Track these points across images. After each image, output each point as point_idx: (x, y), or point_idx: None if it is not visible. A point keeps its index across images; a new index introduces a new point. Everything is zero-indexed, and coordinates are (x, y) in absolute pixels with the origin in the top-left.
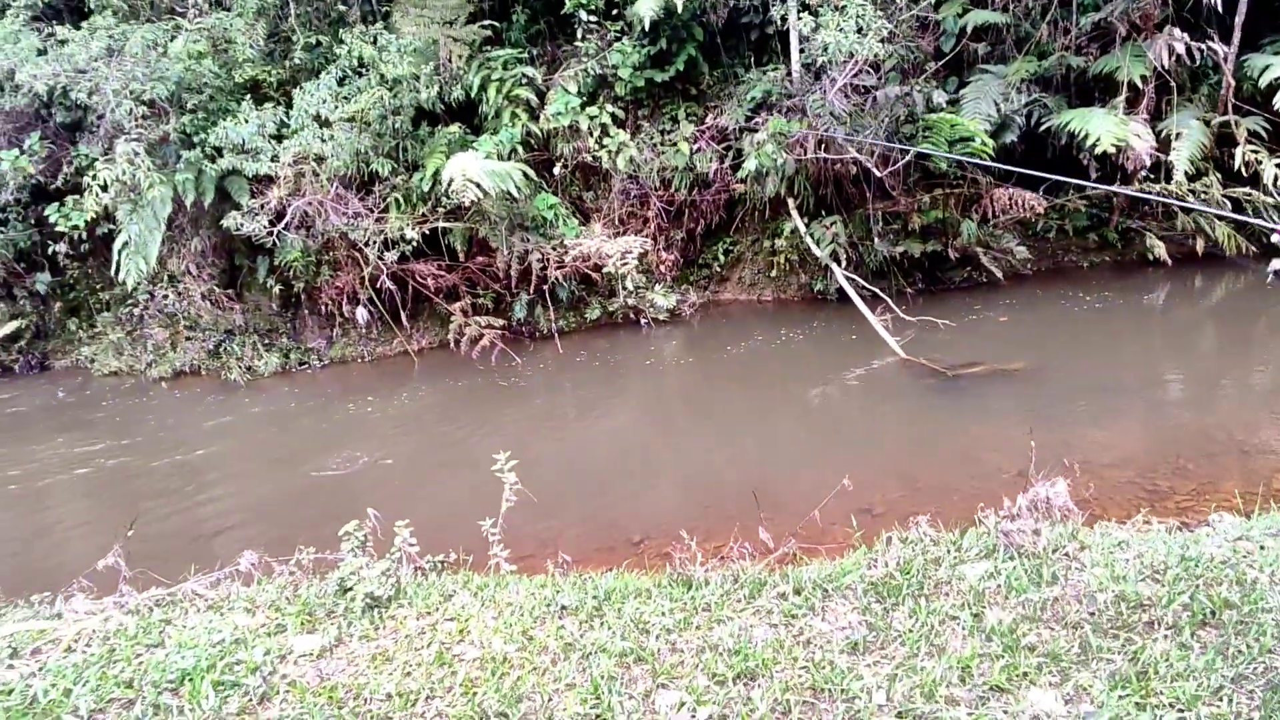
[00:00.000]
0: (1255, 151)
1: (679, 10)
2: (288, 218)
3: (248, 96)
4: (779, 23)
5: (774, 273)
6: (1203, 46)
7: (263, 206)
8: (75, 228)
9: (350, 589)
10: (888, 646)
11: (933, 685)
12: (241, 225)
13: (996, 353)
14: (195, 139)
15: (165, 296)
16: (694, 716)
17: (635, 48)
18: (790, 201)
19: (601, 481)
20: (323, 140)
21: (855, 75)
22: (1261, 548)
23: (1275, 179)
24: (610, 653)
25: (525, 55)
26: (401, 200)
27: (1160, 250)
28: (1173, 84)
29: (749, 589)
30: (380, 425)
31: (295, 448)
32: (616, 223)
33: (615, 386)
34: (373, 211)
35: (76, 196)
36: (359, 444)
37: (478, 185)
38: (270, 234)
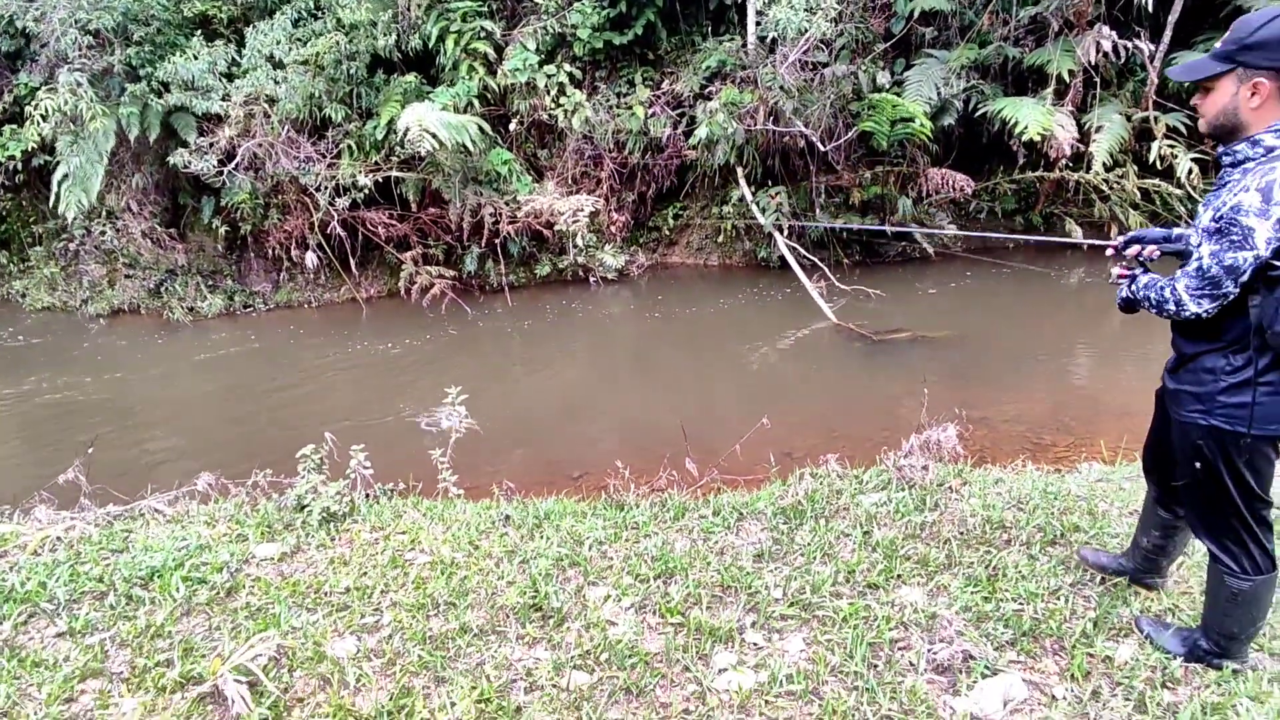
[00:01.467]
0: (1172, 146)
1: None
2: (237, 158)
3: (198, 32)
4: None
5: (720, 239)
6: (1129, 45)
7: (211, 145)
8: (11, 158)
9: (307, 505)
10: (789, 556)
11: (821, 583)
12: (189, 163)
13: (922, 321)
14: (141, 72)
15: (103, 233)
16: (619, 605)
17: (595, 9)
18: (739, 170)
19: (546, 424)
20: (276, 82)
21: (806, 52)
22: (1120, 489)
23: (1189, 171)
24: (548, 557)
25: (485, 9)
26: (354, 147)
27: (1079, 234)
28: (1098, 79)
29: (674, 512)
30: (328, 368)
31: (242, 386)
32: (570, 182)
33: (562, 340)
34: (325, 157)
35: (14, 126)
36: (307, 384)
37: (434, 136)
38: (219, 174)
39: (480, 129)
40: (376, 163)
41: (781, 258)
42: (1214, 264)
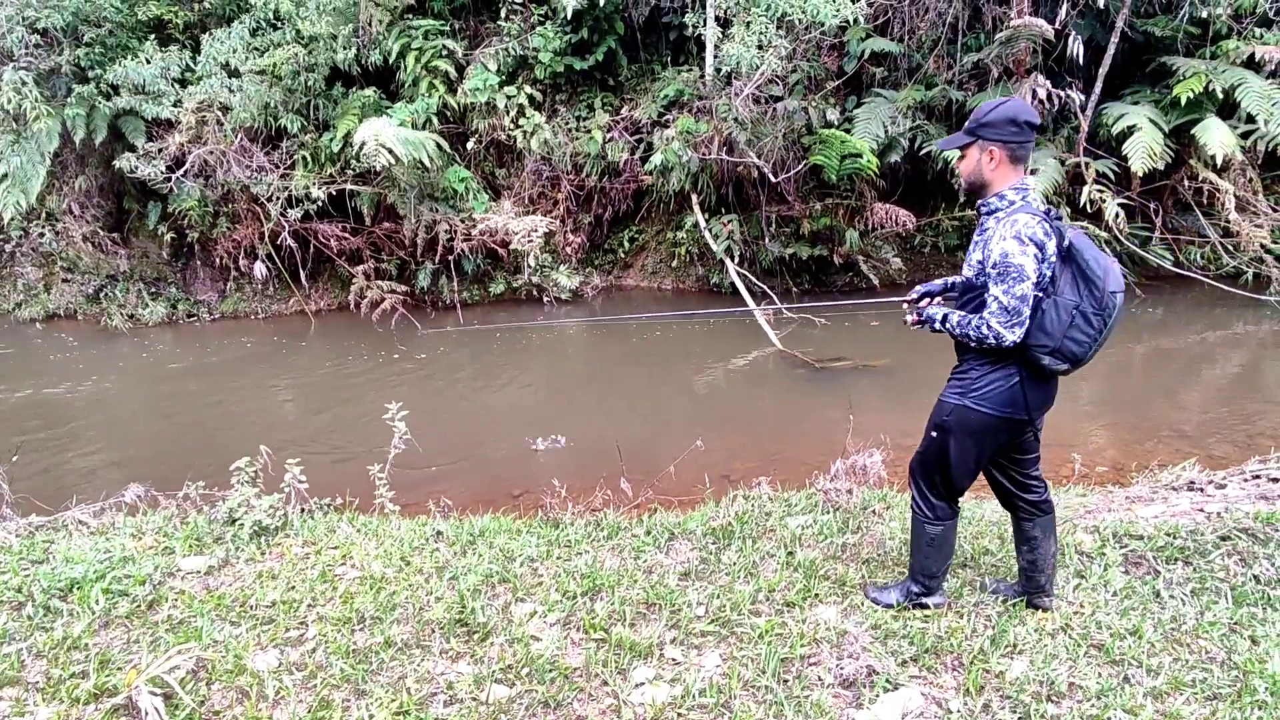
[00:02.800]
0: (1101, 191)
1: (601, 3)
2: (187, 165)
3: (151, 36)
4: (694, 28)
5: (674, 263)
6: (1062, 94)
7: (160, 151)
8: None
9: (238, 519)
10: (714, 575)
11: (742, 601)
12: (136, 168)
13: (864, 350)
14: (90, 74)
15: (42, 234)
16: (544, 621)
17: (557, 34)
18: (694, 197)
19: (490, 441)
20: (230, 90)
21: (760, 86)
22: None
23: (1116, 215)
24: (478, 573)
25: (447, 28)
26: (309, 158)
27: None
28: (1043, 122)
29: (608, 531)
30: (272, 380)
31: (179, 396)
32: (526, 202)
33: (513, 358)
34: (278, 167)
35: None
36: (247, 395)
37: (390, 151)
38: (167, 180)
39: (438, 146)
40: (331, 175)
41: (733, 284)
42: (1009, 299)
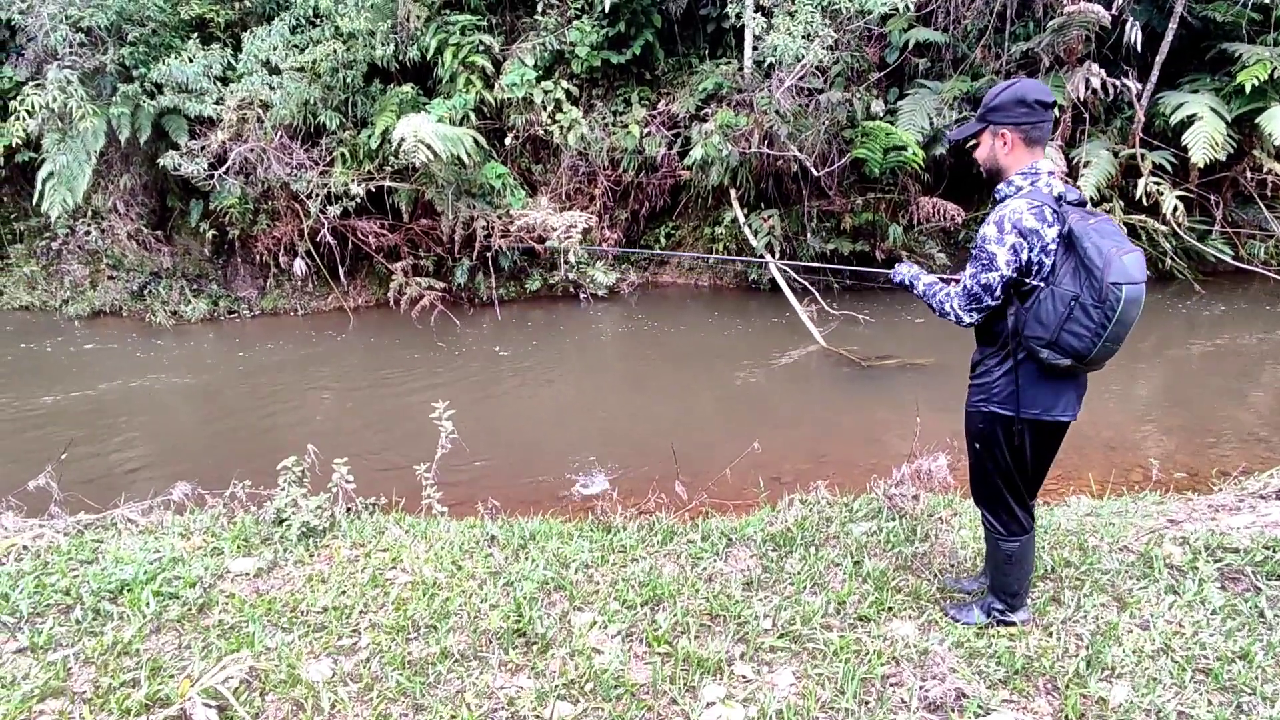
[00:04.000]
0: (1158, 183)
1: None
2: (229, 162)
3: (194, 35)
4: (734, 19)
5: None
6: (1118, 83)
7: (202, 148)
8: None
9: (286, 519)
10: (778, 585)
11: (812, 614)
12: (179, 166)
13: (909, 348)
14: (135, 73)
15: (88, 233)
16: (605, 633)
17: (594, 27)
18: (732, 192)
19: (532, 441)
20: (271, 88)
21: (802, 78)
22: (1108, 524)
23: (1175, 209)
24: (532, 580)
25: (484, 23)
26: (348, 155)
27: None
28: (1087, 115)
29: (662, 536)
30: (314, 377)
31: (222, 394)
32: (563, 198)
33: (551, 355)
34: (317, 164)
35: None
36: (289, 393)
37: (429, 147)
38: (209, 177)
39: (475, 141)
40: (370, 172)
41: (772, 280)
42: (973, 284)
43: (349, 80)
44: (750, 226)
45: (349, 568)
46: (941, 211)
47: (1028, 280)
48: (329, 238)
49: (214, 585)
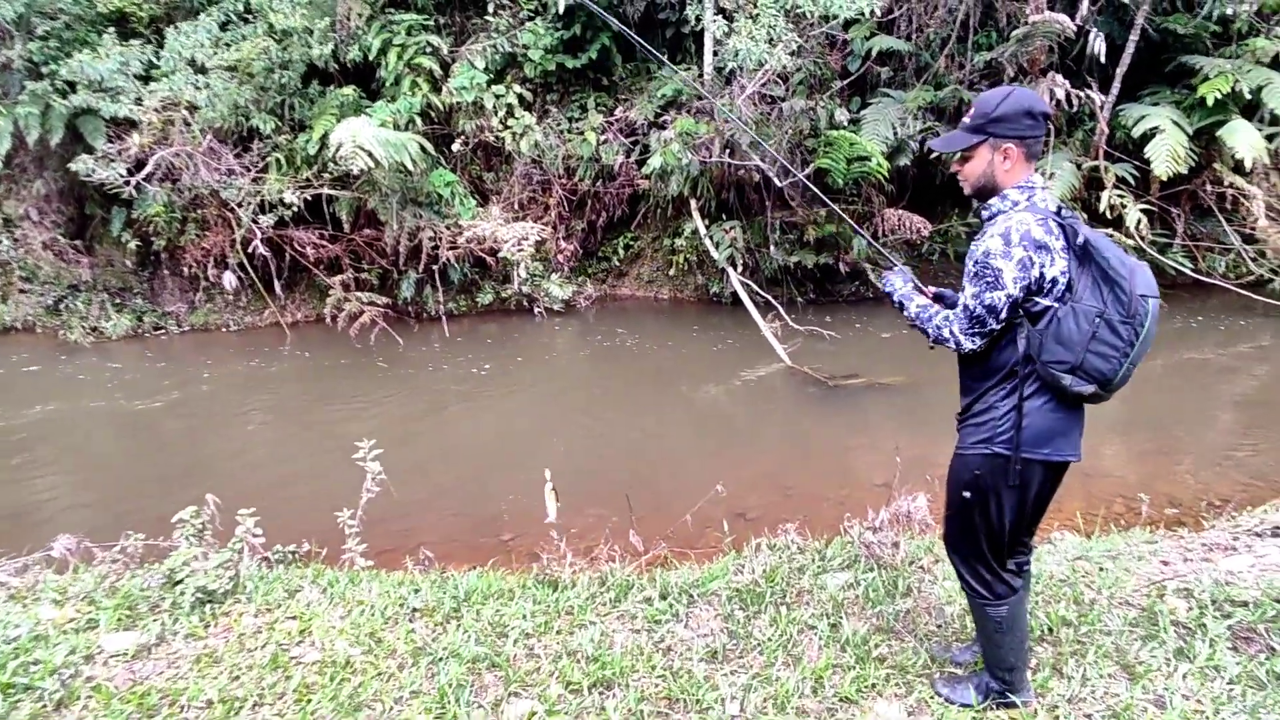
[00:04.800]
0: (1121, 196)
1: None
2: (149, 168)
3: (111, 29)
4: (694, 23)
5: (672, 271)
6: (1081, 94)
7: (120, 153)
8: None
9: (180, 581)
10: (746, 655)
11: (786, 696)
12: (93, 171)
13: (876, 366)
14: (44, 69)
15: None
16: None
17: (548, 30)
18: (693, 202)
19: (477, 473)
20: (197, 87)
21: (764, 85)
22: (1101, 569)
23: (1138, 222)
24: (462, 658)
25: (431, 23)
26: (283, 161)
27: None
28: (1051, 126)
29: (615, 592)
30: (244, 402)
31: (140, 421)
32: (516, 207)
33: (502, 375)
34: (250, 170)
35: None
36: (216, 418)
37: (369, 154)
38: (127, 183)
39: (422, 148)
40: (308, 179)
41: (734, 294)
42: (977, 305)
43: (285, 81)
44: (711, 238)
45: (248, 642)
46: (907, 223)
47: (1039, 299)
48: (263, 249)
49: (78, 673)
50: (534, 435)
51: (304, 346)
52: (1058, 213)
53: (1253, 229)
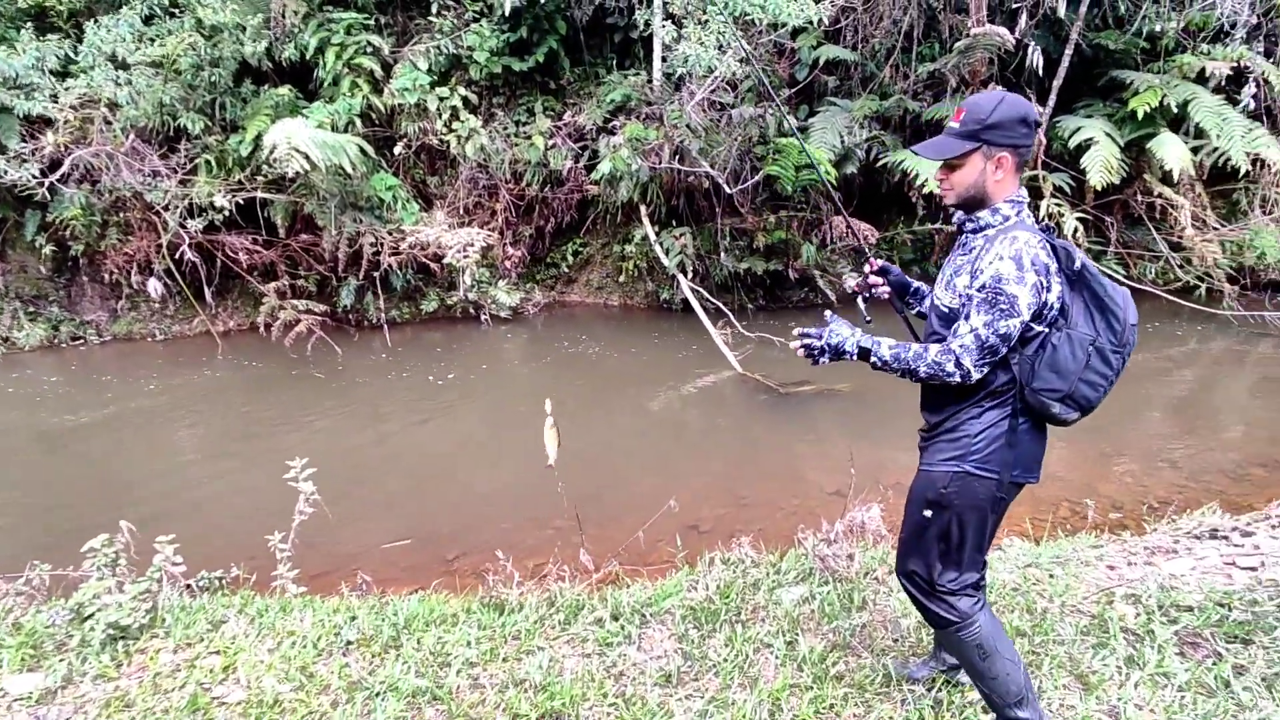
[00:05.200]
0: (1059, 205)
1: (542, 0)
2: (64, 168)
3: (28, 24)
4: (643, 28)
5: (622, 278)
6: None
7: (34, 152)
8: None
9: (89, 616)
10: (702, 678)
11: None
12: (4, 172)
13: (825, 373)
14: None
15: None
16: None
17: (494, 32)
18: (642, 208)
19: (421, 488)
20: (118, 84)
21: (713, 91)
22: (1051, 575)
23: (1075, 230)
24: (401, 692)
25: (372, 22)
26: (214, 163)
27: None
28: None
29: (565, 614)
30: (168, 414)
31: (57, 436)
32: (461, 212)
33: (446, 385)
34: (177, 172)
35: None
36: (140, 434)
37: (305, 156)
38: (41, 184)
39: (362, 151)
40: (240, 182)
41: (685, 300)
42: (990, 334)
43: (214, 79)
44: (662, 244)
45: (164, 683)
46: (855, 231)
47: (1033, 324)
48: (192, 254)
49: None
50: (481, 447)
51: (236, 357)
52: (1045, 230)
53: (1180, 237)
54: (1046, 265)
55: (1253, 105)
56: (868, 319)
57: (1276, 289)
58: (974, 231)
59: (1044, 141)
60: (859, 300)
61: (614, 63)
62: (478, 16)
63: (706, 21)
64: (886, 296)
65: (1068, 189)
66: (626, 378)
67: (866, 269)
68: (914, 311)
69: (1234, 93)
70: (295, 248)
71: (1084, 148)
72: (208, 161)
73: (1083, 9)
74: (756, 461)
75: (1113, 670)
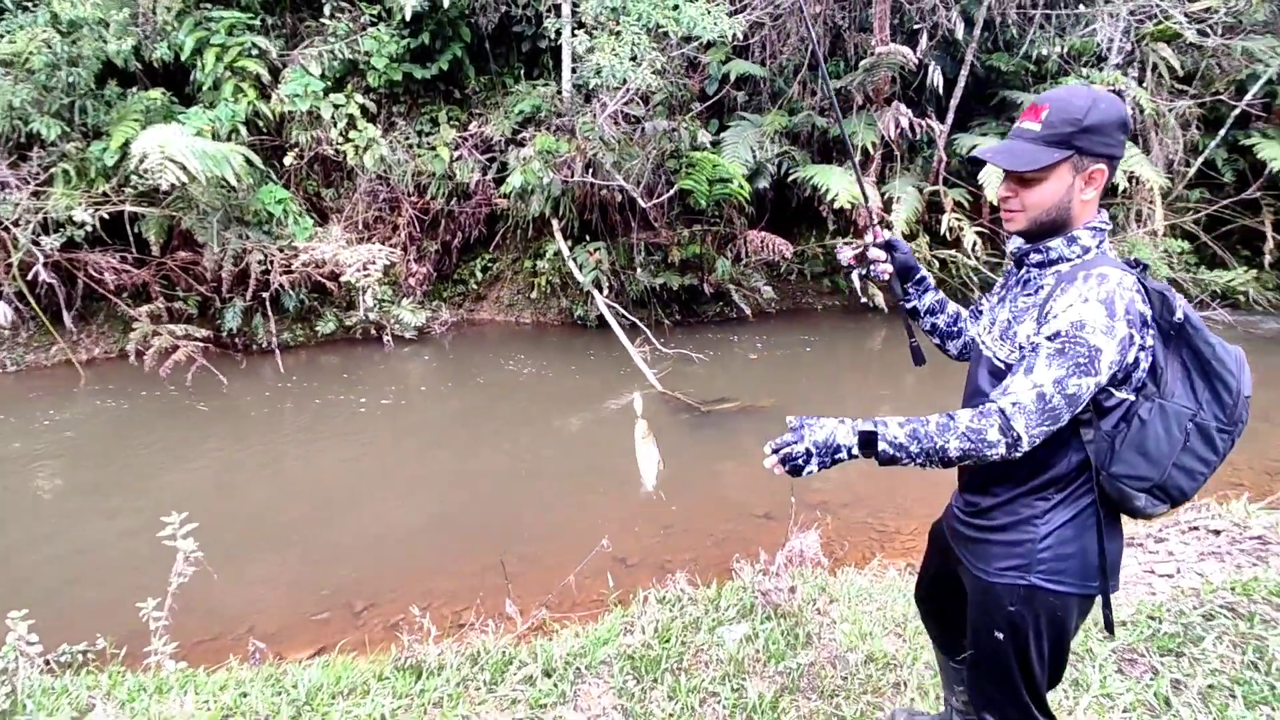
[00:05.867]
0: (959, 219)
1: (445, 5)
2: None
3: None
4: (553, 37)
5: (535, 294)
6: (922, 123)
7: None
8: None
9: None
10: None
11: None
12: None
13: (746, 388)
14: None
15: None
16: None
17: (394, 37)
18: (555, 223)
19: (321, 531)
20: None
21: (626, 104)
22: None
23: (974, 244)
24: None
25: (257, 22)
26: (73, 173)
27: (879, 298)
28: (896, 153)
29: (491, 672)
30: (22, 456)
31: None
32: (360, 227)
33: (347, 414)
34: (29, 183)
35: None
36: None
37: (182, 166)
38: None
39: (247, 161)
40: (105, 194)
41: (600, 317)
42: (1057, 393)
43: (73, 80)
44: (575, 260)
45: None
46: (770, 245)
47: (1114, 391)
48: (48, 275)
49: None
50: (388, 481)
51: (103, 389)
52: (1135, 266)
53: None
54: (1142, 315)
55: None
56: (864, 301)
57: None
58: (1040, 266)
59: (944, 158)
60: (854, 277)
61: (522, 72)
62: (375, 20)
63: (620, 32)
64: (886, 278)
65: (966, 204)
66: (542, 399)
67: (869, 238)
68: (909, 306)
69: None
70: (172, 267)
71: (980, 164)
72: (65, 171)
73: (977, 31)
74: (682, 486)
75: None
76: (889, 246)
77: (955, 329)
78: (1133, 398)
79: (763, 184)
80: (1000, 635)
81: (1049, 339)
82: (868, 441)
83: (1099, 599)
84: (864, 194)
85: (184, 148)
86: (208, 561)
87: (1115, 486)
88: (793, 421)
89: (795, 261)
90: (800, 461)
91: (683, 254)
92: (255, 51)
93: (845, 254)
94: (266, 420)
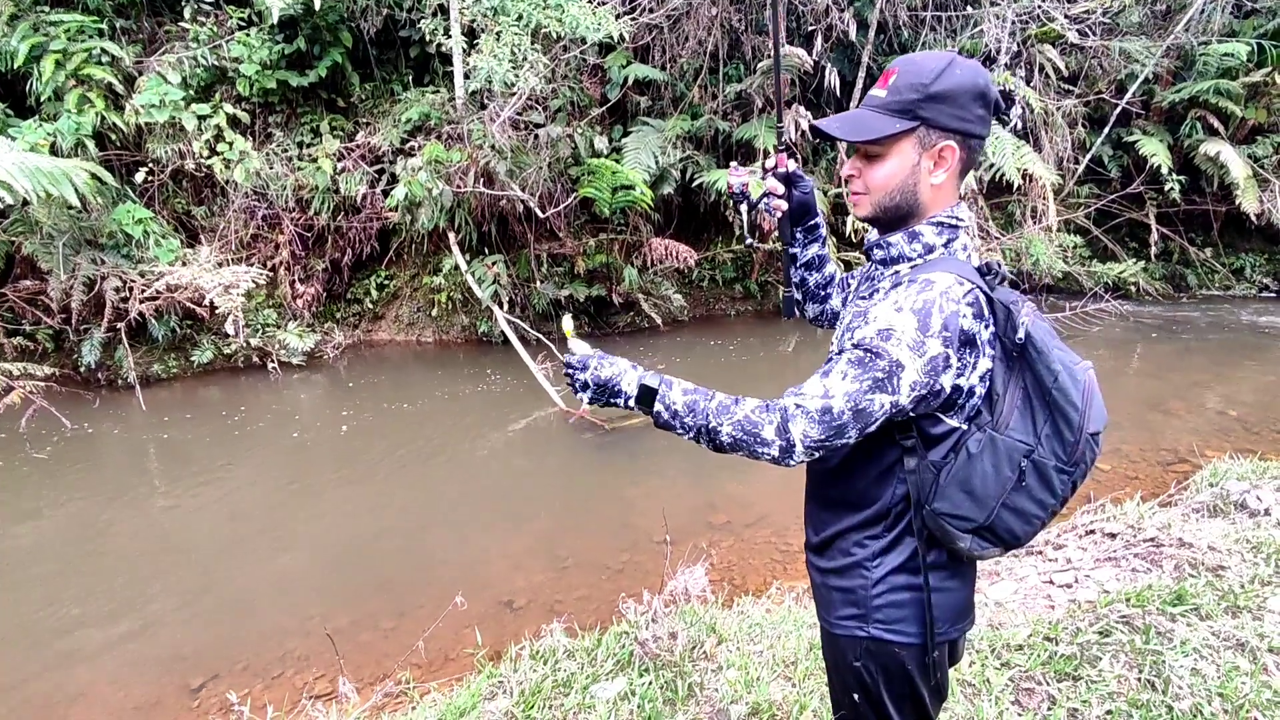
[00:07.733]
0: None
1: (318, 8)
2: None
3: None
4: (443, 37)
5: (435, 312)
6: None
7: None
8: None
9: None
10: None
11: None
12: None
13: None
14: None
15: None
16: None
17: (265, 42)
18: (451, 236)
19: (166, 595)
20: None
21: (521, 111)
22: None
23: None
24: None
25: (105, 26)
26: None
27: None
28: (799, 156)
29: None
30: None
31: None
32: (238, 246)
33: (223, 453)
34: None
35: None
36: None
37: (7, 187)
38: None
39: (96, 179)
40: None
41: (504, 333)
42: (846, 406)
43: None
44: (474, 274)
45: None
46: (674, 253)
47: (944, 417)
48: None
49: None
50: (246, 533)
51: None
52: (986, 271)
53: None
54: (968, 334)
55: (1020, 125)
56: (749, 242)
57: (1049, 292)
58: (883, 264)
59: (845, 159)
60: (742, 210)
61: (410, 79)
62: (244, 25)
63: (500, 33)
64: (778, 217)
65: None
66: (443, 424)
67: (768, 163)
68: (791, 253)
69: (1003, 114)
70: (13, 297)
71: None
72: None
73: (871, 34)
74: (581, 513)
75: None
76: (790, 180)
77: (823, 293)
78: (964, 426)
79: (667, 190)
80: (856, 696)
81: (854, 345)
82: (647, 397)
83: (960, 639)
84: (780, 119)
85: (11, 165)
86: (21, 643)
87: (938, 524)
88: (585, 353)
89: (705, 268)
90: (578, 387)
91: (589, 264)
92: (106, 58)
93: (737, 178)
94: (123, 465)
